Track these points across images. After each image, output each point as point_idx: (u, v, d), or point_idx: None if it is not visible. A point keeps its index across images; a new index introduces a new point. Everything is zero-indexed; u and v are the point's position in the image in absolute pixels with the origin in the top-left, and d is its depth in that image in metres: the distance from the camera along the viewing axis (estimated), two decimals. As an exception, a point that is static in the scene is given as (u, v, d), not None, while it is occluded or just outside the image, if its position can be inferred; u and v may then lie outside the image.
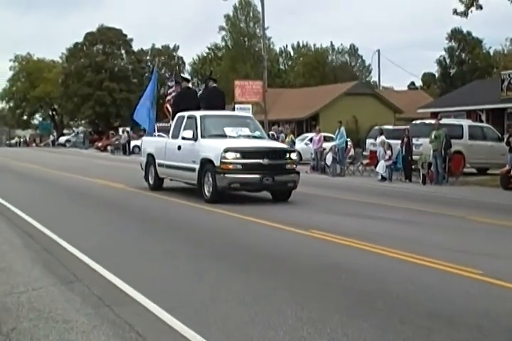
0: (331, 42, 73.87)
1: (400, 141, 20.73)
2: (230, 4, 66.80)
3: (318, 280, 6.13)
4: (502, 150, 20.36)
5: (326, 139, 25.73)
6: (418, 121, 24.47)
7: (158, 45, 75.61)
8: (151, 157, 15.22)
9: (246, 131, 13.63)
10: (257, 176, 12.19)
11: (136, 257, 7.18)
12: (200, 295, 5.52)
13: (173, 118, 14.95)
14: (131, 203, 12.89)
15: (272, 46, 72.11)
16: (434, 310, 5.09)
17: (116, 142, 44.31)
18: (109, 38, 67.87)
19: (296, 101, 46.93)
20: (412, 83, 78.46)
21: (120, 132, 46.10)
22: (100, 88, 65.23)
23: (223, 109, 15.28)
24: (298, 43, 76.48)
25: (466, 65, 67.03)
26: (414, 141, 20.82)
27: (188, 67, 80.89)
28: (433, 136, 19.05)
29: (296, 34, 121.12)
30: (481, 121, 28.47)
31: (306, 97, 46.84)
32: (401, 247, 7.63)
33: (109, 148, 45.77)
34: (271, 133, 24.95)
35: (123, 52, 70.97)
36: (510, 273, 6.48)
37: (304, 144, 29.56)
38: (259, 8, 41.12)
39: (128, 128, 46.97)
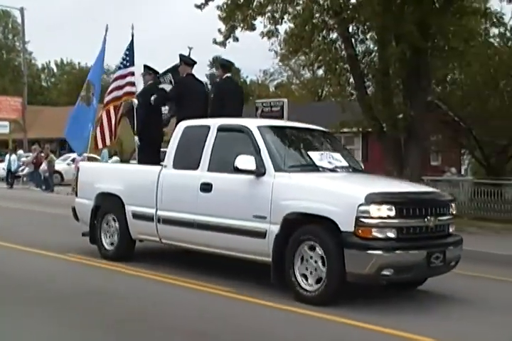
0: (98, 62, 72.88)
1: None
2: (-14, 14, 62.70)
3: (70, 306, 6.02)
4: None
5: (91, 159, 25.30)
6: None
7: None
8: (110, 200, 8.40)
9: (339, 158, 7.48)
10: (422, 252, 6.26)
11: None
12: None
13: (149, 130, 9.62)
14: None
15: (33, 61, 68.98)
16: (171, 325, 5.41)
17: None
18: None
19: (59, 119, 44.90)
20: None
21: None
22: None
23: (241, 115, 9.05)
24: (62, 60, 74.17)
25: (226, 91, 71.04)
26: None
27: None
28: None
29: (60, 50, 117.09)
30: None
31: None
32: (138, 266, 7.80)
33: None
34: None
35: None
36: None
37: (66, 164, 29.07)
38: (20, 20, 39.18)
39: None
